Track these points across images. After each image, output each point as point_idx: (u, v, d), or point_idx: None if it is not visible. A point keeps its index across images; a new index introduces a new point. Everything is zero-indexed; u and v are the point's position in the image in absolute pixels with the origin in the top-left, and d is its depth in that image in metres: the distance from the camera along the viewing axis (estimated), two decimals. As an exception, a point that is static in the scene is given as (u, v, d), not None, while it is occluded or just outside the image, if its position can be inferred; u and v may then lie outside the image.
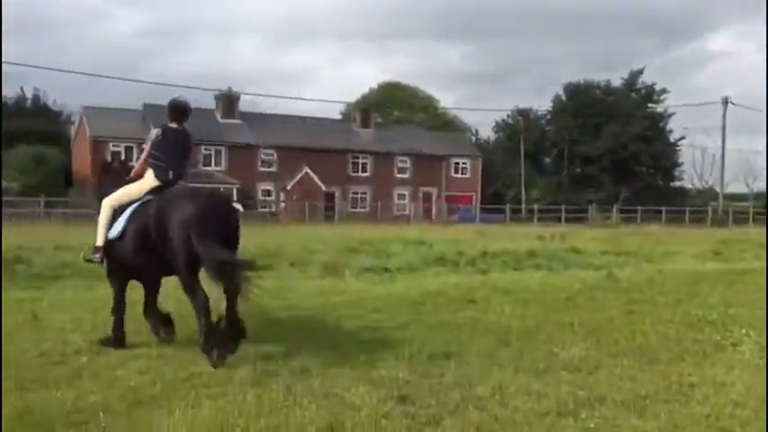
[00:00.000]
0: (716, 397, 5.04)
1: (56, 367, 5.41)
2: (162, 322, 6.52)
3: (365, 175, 54.03)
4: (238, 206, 42.74)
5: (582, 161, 60.73)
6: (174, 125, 6.55)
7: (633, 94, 62.99)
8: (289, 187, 49.29)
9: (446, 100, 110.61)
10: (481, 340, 6.67)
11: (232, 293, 5.66)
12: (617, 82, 63.71)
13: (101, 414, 4.30)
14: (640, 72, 63.55)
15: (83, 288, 9.76)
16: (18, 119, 53.58)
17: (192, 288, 5.74)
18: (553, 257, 15.39)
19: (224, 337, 5.62)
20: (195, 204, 5.76)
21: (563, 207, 49.85)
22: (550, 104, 64.75)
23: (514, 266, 13.92)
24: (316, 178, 49.72)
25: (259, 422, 4.22)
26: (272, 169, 50.58)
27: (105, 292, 9.42)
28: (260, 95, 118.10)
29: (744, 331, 7.43)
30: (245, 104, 53.06)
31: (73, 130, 53.35)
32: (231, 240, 5.91)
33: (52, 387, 4.86)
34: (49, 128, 53.45)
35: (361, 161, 54.06)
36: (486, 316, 8.08)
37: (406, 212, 51.84)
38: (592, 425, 4.38)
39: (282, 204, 49.33)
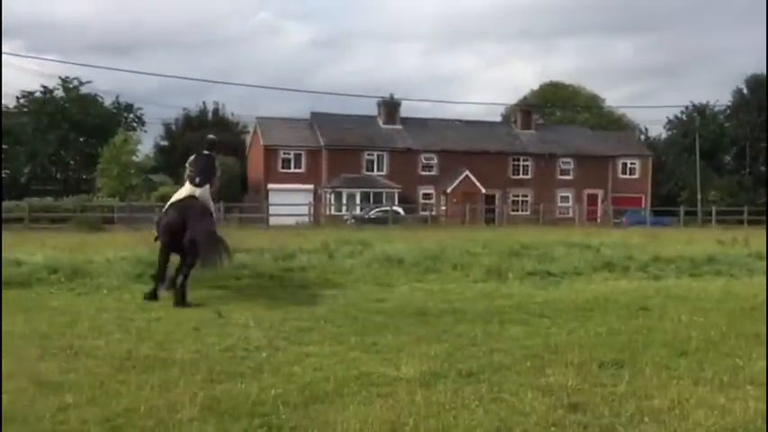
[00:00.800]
0: None
1: (240, 362, 5.82)
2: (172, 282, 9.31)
3: (526, 177, 53.07)
4: (399, 209, 43.62)
5: (767, 159, 55.80)
6: (205, 152, 10.32)
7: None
8: (449, 191, 49.53)
9: (613, 98, 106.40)
10: (656, 350, 6.34)
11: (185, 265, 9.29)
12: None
13: (281, 407, 4.57)
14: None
15: (258, 287, 10.39)
16: (202, 130, 58.23)
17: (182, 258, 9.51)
18: (735, 263, 14.21)
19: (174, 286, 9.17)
20: (176, 213, 9.46)
21: (745, 209, 45.95)
22: (729, 99, 60.14)
23: (691, 273, 13.01)
24: (476, 181, 49.57)
25: (428, 422, 4.29)
26: (433, 173, 51.05)
27: (280, 293, 10.01)
28: (421, 100, 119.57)
29: None
30: (406, 110, 54.04)
31: (248, 139, 57.03)
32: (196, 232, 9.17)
33: (237, 380, 5.23)
34: (228, 138, 57.61)
35: (522, 163, 53.18)
36: (662, 324, 7.66)
37: (570, 215, 50.25)
38: (787, 446, 4.02)
39: (443, 208, 49.65)
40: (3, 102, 53.09)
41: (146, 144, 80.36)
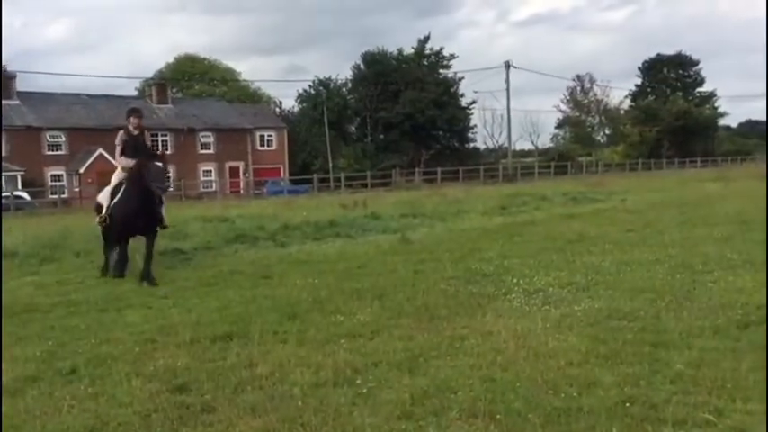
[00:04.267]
0: (482, 346, 5.39)
1: None
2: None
3: (167, 152, 51.66)
4: (24, 194, 39.16)
5: (384, 127, 62.50)
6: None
7: (425, 60, 65.67)
8: (82, 170, 45.91)
9: (247, 73, 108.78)
10: (268, 316, 6.61)
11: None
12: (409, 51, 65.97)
13: None
14: (427, 39, 66.34)
15: None
16: None
17: None
18: (353, 225, 15.53)
19: None
20: None
21: (368, 173, 50.97)
22: (350, 74, 65.79)
23: (315, 237, 13.86)
24: (112, 159, 46.74)
25: (9, 437, 3.87)
26: (62, 152, 46.83)
27: None
28: (40, 73, 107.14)
29: (515, 281, 8.05)
30: (25, 84, 48.39)
31: None
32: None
33: None
34: None
35: (160, 138, 51.53)
36: (278, 290, 8.02)
37: (213, 189, 50.40)
38: (365, 390, 4.48)
39: (76, 189, 45.87)
40: None
41: None
